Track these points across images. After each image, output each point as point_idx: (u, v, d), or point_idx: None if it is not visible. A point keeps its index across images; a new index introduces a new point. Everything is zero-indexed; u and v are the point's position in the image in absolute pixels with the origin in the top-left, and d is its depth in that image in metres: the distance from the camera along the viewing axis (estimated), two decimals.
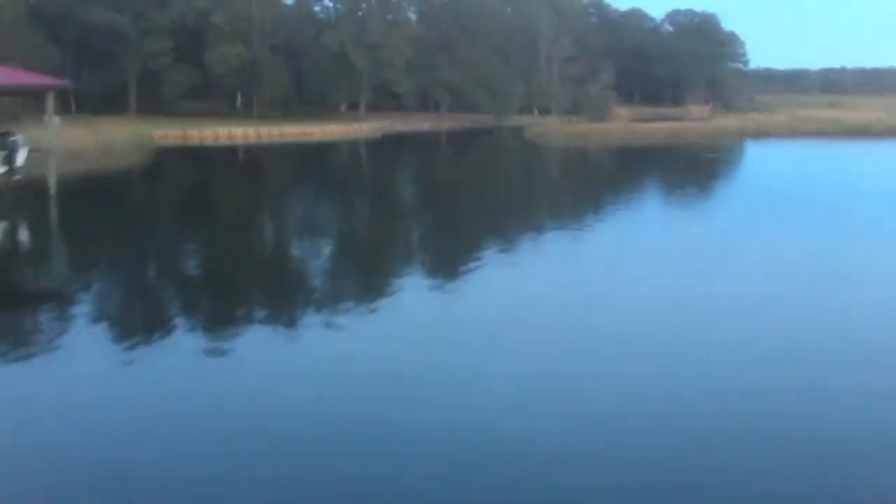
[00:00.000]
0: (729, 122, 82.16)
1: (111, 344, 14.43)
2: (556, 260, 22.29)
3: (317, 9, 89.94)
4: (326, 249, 24.89)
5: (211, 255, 23.90)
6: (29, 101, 45.33)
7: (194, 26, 74.92)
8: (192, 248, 24.81)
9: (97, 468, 9.61)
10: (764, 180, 42.45)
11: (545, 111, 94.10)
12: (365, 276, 20.81)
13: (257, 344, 14.22)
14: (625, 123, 79.51)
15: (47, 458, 9.90)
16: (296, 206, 36.22)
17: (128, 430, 10.61)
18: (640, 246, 23.98)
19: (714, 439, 10.53)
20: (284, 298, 18.12)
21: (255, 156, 58.58)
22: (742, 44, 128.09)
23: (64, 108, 66.99)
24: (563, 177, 50.17)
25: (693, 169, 52.96)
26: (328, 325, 15.46)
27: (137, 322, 16.11)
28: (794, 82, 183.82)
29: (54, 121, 33.66)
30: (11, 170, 30.06)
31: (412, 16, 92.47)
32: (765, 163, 57.48)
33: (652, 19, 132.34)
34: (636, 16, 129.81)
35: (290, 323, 15.70)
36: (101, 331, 15.20)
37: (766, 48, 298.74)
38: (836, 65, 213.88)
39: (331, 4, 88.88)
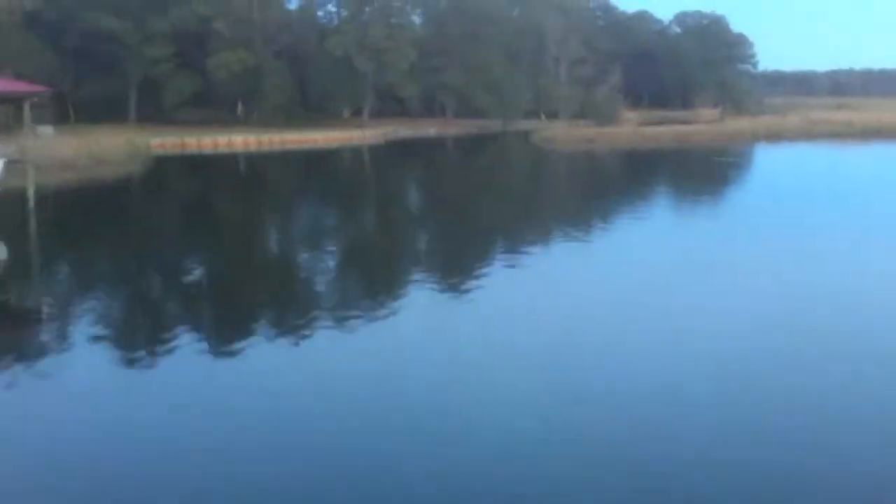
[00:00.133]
0: (741, 124, 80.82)
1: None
2: (563, 272, 21.13)
3: (320, 13, 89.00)
4: (320, 269, 23.63)
5: (179, 277, 22.23)
6: (18, 111, 44.07)
7: (196, 32, 73.92)
8: (168, 265, 23.51)
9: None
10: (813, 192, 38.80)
11: (552, 115, 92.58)
12: (360, 295, 19.65)
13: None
14: (633, 127, 78.16)
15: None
16: (288, 219, 34.62)
17: None
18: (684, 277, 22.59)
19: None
20: (278, 323, 17.03)
21: (254, 164, 57.25)
22: (751, 45, 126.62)
23: (62, 117, 66.10)
24: (570, 183, 48.61)
25: (708, 174, 51.36)
26: (336, 339, 15.22)
27: (96, 352, 14.75)
28: (801, 84, 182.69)
29: (46, 130, 32.46)
30: None
31: (416, 19, 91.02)
32: (802, 168, 53.13)
33: (659, 21, 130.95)
34: (643, 18, 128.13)
35: (295, 343, 15.22)
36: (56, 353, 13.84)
37: (774, 50, 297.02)
38: (844, 66, 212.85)
39: (334, 9, 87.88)
